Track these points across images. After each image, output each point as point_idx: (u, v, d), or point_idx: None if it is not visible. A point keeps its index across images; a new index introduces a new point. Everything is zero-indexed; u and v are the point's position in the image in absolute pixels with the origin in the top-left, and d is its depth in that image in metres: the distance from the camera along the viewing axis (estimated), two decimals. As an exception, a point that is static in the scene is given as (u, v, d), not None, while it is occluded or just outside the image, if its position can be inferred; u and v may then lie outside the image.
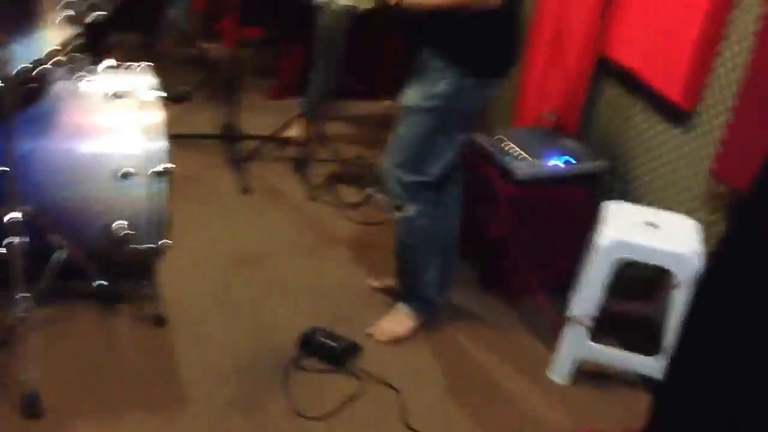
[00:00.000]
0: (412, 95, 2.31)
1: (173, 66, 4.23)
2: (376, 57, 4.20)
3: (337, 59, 3.58)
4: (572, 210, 2.69)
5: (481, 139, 2.81)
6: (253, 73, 4.26)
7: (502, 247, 2.70)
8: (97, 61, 2.44)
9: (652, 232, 2.24)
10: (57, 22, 2.11)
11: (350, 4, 3.43)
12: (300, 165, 3.45)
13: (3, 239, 1.98)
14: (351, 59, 3.67)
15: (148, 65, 2.49)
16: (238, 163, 3.35)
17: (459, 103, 2.27)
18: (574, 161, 2.71)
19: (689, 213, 2.40)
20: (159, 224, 2.30)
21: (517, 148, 2.74)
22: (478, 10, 2.14)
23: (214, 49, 4.43)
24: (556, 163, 2.70)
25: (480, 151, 2.78)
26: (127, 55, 4.01)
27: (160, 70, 2.42)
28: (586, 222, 2.40)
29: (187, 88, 3.89)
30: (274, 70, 4.30)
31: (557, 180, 2.70)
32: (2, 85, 1.83)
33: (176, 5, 4.21)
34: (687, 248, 2.18)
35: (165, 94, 2.37)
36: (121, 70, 2.45)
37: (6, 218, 1.99)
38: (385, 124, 2.68)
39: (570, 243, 2.50)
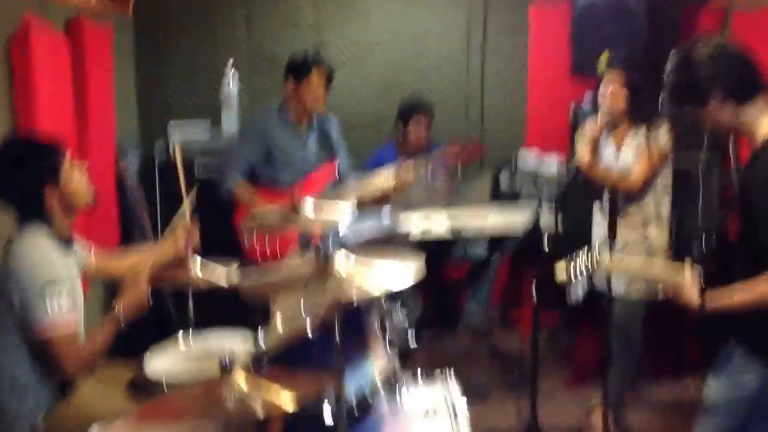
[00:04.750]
0: (716, 388, 2.32)
1: (471, 359, 4.60)
2: (675, 336, 4.23)
3: (634, 349, 3.68)
4: None
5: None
6: (549, 359, 4.46)
7: None
8: (405, 366, 2.79)
9: None
10: (380, 350, 2.51)
11: (646, 297, 3.57)
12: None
13: None
14: (649, 339, 3.75)
15: (453, 377, 2.77)
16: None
17: None
18: None
19: None
20: None
21: None
22: None
23: (511, 338, 4.75)
24: None
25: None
26: (427, 355, 4.48)
27: (459, 364, 2.68)
28: None
29: (485, 381, 4.17)
30: (571, 355, 4.47)
31: None
32: (332, 417, 2.21)
33: (475, 299, 4.64)
34: None
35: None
36: (432, 383, 2.76)
37: None
38: (691, 410, 2.64)
39: None
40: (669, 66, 2.36)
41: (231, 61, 4.78)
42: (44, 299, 2.47)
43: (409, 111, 4.69)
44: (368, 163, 4.78)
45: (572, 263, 2.54)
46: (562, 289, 4.38)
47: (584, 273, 2.55)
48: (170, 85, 5.04)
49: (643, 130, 3.61)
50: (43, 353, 2.52)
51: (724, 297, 2.25)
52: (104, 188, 3.65)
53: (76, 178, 2.65)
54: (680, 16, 4.59)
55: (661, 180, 3.64)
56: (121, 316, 2.65)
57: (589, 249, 2.56)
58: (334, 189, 4.19)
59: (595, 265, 2.53)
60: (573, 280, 2.60)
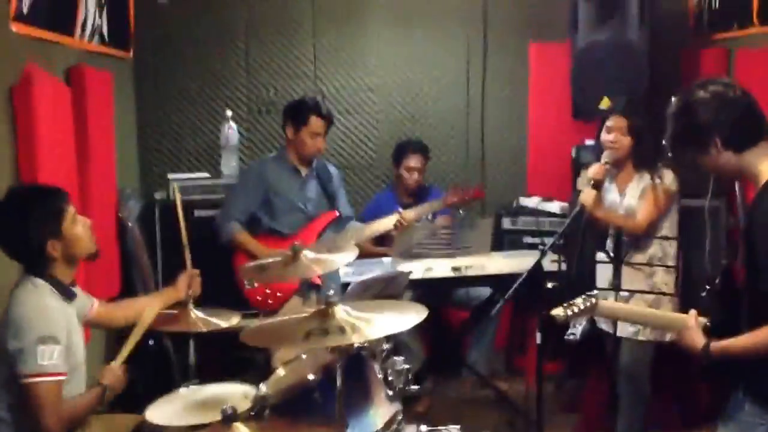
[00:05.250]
0: None
1: (476, 406, 4.57)
2: (681, 386, 4.21)
3: (642, 392, 3.66)
4: None
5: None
6: (555, 409, 4.43)
7: None
8: (409, 416, 2.78)
9: None
10: (382, 399, 2.51)
11: (654, 338, 3.58)
12: None
13: None
14: (659, 386, 3.75)
15: (458, 428, 2.76)
16: None
17: None
18: None
19: None
20: None
21: None
22: None
23: (516, 385, 4.73)
24: None
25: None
26: (431, 402, 4.46)
27: (463, 411, 2.62)
28: None
29: (490, 429, 4.12)
30: (578, 405, 4.44)
31: None
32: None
33: (478, 347, 4.62)
34: None
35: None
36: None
37: None
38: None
39: None
40: (669, 111, 2.38)
41: (229, 112, 4.84)
42: (36, 351, 2.46)
43: (400, 151, 4.75)
44: (368, 209, 4.82)
45: (569, 307, 2.55)
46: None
47: (581, 316, 2.56)
48: (170, 131, 5.10)
49: (646, 174, 3.63)
50: (23, 404, 2.48)
51: (727, 343, 2.24)
52: (105, 236, 3.67)
53: (79, 230, 2.67)
54: (683, 57, 4.65)
55: (666, 225, 3.64)
56: (105, 393, 2.67)
57: (589, 294, 2.59)
58: (335, 235, 4.22)
59: (592, 309, 2.54)
60: (570, 322, 2.62)
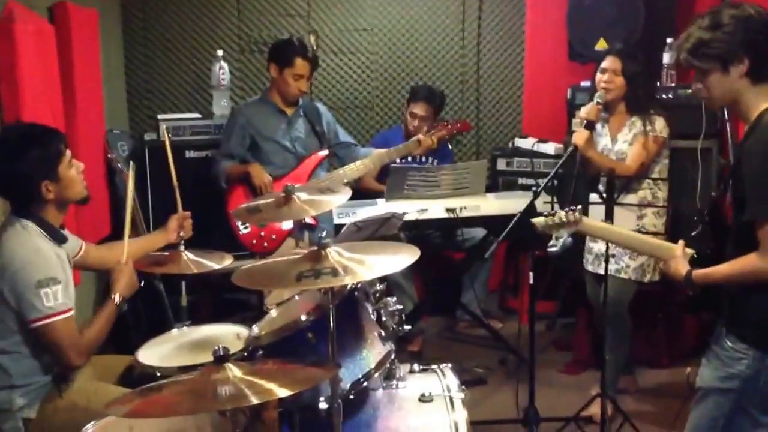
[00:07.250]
0: (706, 375, 2.31)
1: (469, 348, 4.61)
2: (669, 324, 4.25)
3: (626, 331, 3.72)
4: None
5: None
6: (547, 348, 4.49)
7: None
8: (403, 355, 2.80)
9: None
10: (375, 340, 2.52)
11: (635, 278, 3.62)
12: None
13: None
14: (643, 326, 3.78)
15: (449, 366, 2.79)
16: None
17: (761, 385, 2.22)
18: None
19: None
20: None
21: None
22: None
23: (508, 327, 4.76)
24: None
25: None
26: (425, 342, 4.50)
27: (456, 352, 2.64)
28: None
29: (482, 370, 4.19)
30: (569, 344, 4.49)
31: None
32: (328, 406, 2.22)
33: (472, 287, 4.64)
34: None
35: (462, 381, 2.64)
36: (428, 372, 2.77)
37: None
38: (687, 395, 2.66)
39: None
40: (699, 22, 2.22)
41: (220, 52, 4.74)
42: (40, 294, 2.46)
43: (410, 96, 4.72)
44: (373, 143, 4.78)
45: (550, 217, 2.58)
46: (559, 278, 4.42)
47: (562, 228, 2.58)
48: (160, 71, 5.01)
49: (638, 120, 3.61)
50: (42, 345, 2.51)
51: (709, 271, 2.26)
52: (94, 178, 3.63)
53: (74, 173, 2.63)
54: (677, 2, 4.59)
55: (657, 169, 3.64)
56: (118, 301, 2.68)
57: (572, 208, 2.60)
58: (328, 175, 4.18)
59: (575, 224, 2.54)
60: (549, 232, 2.66)
